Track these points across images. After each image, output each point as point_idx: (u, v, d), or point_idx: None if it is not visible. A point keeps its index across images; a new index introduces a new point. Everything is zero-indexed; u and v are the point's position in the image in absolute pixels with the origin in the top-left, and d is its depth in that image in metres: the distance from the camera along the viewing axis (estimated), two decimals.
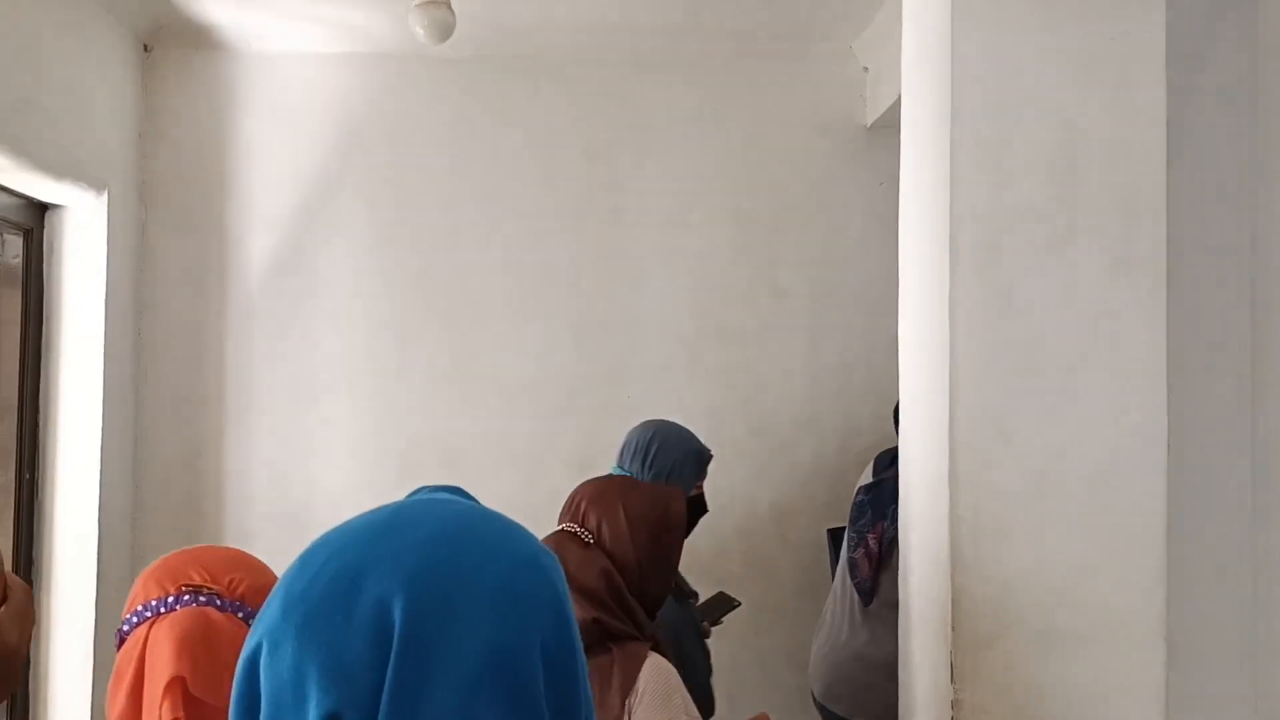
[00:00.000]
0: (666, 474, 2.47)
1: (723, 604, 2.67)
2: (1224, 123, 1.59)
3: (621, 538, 1.70)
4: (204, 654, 1.18)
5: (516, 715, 0.69)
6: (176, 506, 3.26)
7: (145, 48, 3.28)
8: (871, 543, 2.54)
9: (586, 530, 1.73)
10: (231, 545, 3.26)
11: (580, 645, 0.76)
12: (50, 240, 3.00)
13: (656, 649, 1.69)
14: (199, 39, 3.25)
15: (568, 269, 3.38)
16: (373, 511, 0.78)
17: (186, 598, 1.22)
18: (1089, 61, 1.58)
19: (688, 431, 2.59)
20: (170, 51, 3.29)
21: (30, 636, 0.90)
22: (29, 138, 2.61)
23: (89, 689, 2.94)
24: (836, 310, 3.43)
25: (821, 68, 3.40)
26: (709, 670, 2.47)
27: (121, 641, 1.23)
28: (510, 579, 0.73)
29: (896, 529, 1.96)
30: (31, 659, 2.94)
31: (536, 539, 0.80)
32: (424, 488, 0.86)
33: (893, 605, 1.90)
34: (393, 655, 0.67)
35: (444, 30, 2.66)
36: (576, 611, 1.58)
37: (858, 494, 2.71)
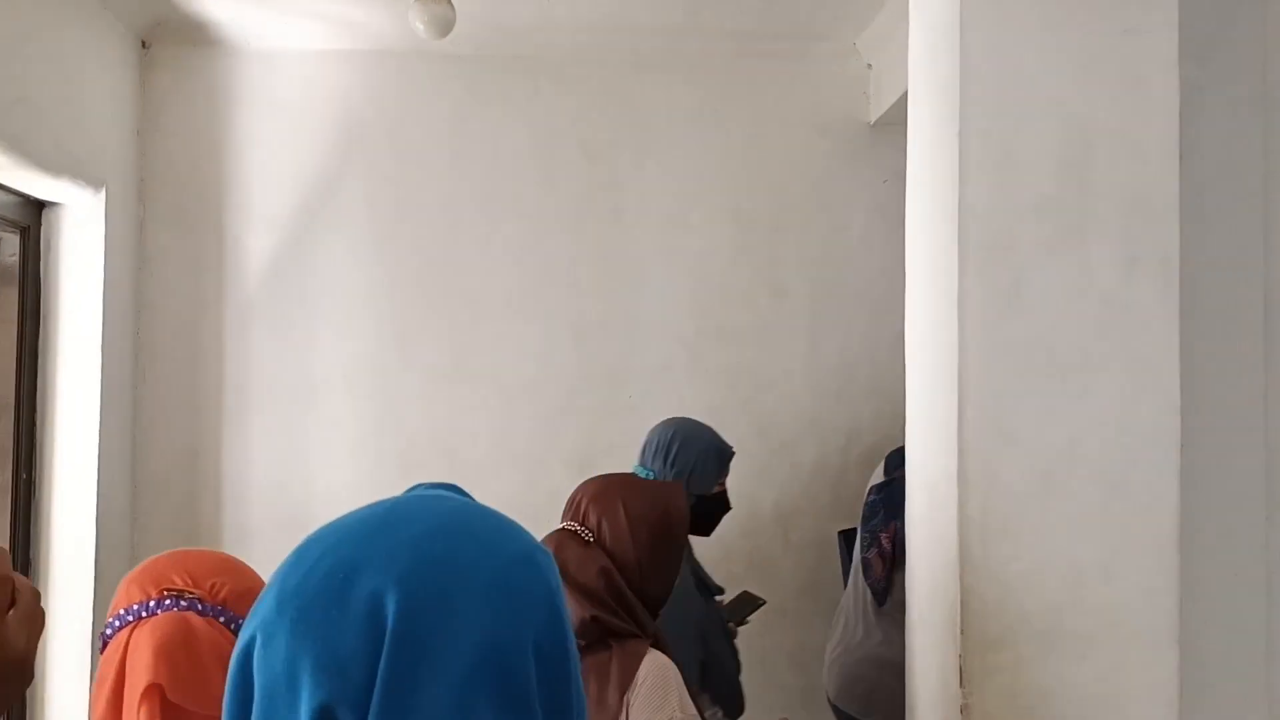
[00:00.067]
0: (689, 471, 2.47)
1: (748, 603, 2.67)
2: (1237, 118, 1.56)
3: (621, 537, 1.70)
4: (183, 660, 1.17)
5: (509, 711, 0.69)
6: (175, 507, 3.24)
7: (143, 44, 3.26)
8: (884, 542, 2.53)
9: (587, 529, 1.72)
10: (230, 546, 3.26)
11: (573, 642, 0.76)
12: (47, 238, 2.97)
13: (657, 646, 1.68)
14: (197, 36, 3.22)
15: (568, 268, 3.36)
16: (368, 507, 0.78)
17: (168, 602, 1.21)
18: (1099, 57, 1.56)
19: (709, 429, 2.58)
20: (168, 48, 3.27)
21: (39, 640, 0.89)
22: (26, 135, 2.59)
23: (86, 690, 2.92)
24: (838, 310, 3.41)
25: (823, 65, 3.38)
26: (738, 667, 2.46)
27: (105, 645, 1.23)
28: (504, 575, 0.73)
29: None
30: None
31: (531, 536, 0.79)
32: (420, 485, 0.86)
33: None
34: (385, 649, 0.67)
35: (444, 26, 2.64)
36: (575, 609, 1.61)
37: (869, 493, 2.69)
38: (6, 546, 2.85)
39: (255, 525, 3.23)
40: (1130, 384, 1.53)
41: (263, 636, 0.71)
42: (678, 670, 1.66)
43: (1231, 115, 1.56)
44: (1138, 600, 1.50)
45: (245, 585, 1.26)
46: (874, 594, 2.58)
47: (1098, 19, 1.56)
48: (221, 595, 1.24)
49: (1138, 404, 1.52)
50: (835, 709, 2.72)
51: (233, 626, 1.23)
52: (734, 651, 2.47)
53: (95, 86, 2.98)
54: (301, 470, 3.27)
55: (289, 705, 0.68)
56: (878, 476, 2.73)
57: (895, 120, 3.20)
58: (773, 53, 3.34)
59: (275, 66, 3.30)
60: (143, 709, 1.14)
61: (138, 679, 1.16)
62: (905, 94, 2.92)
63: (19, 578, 0.88)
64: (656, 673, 1.61)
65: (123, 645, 1.19)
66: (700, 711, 2.27)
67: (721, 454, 2.56)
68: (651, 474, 2.50)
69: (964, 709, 1.51)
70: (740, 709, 2.39)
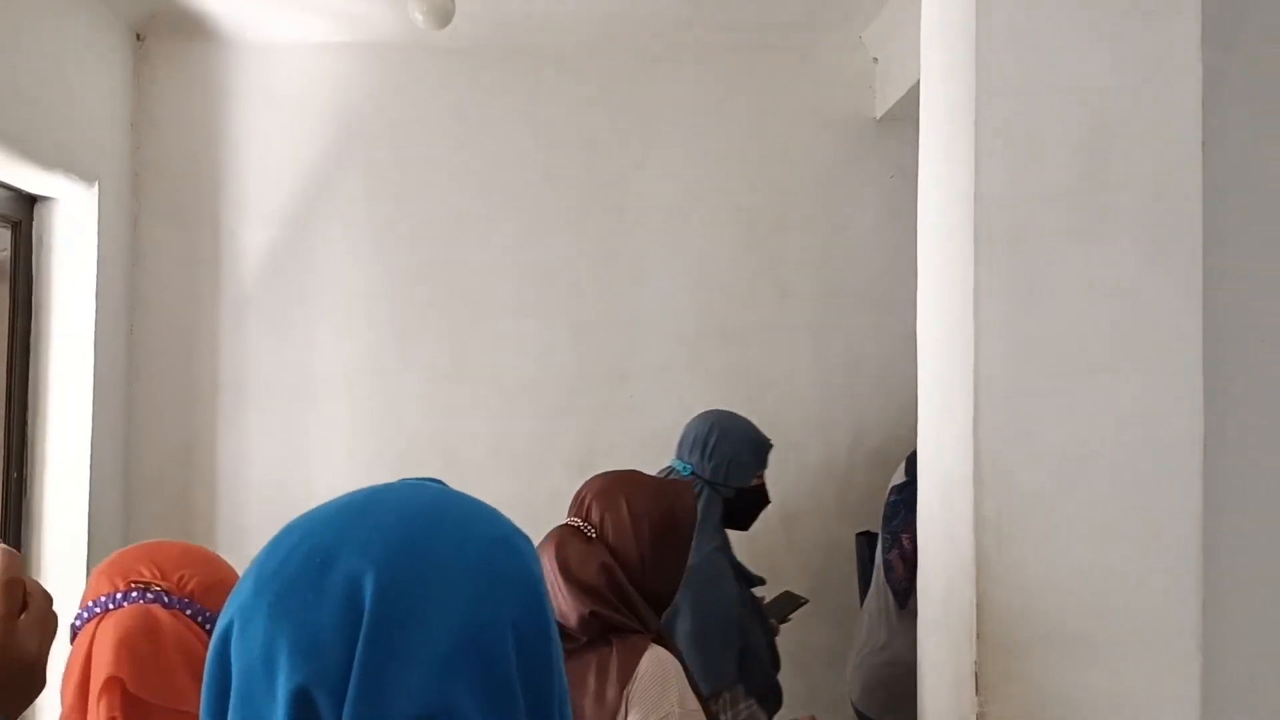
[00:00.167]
0: (726, 464, 2.45)
1: (789, 601, 2.66)
2: (1262, 106, 1.51)
3: (624, 533, 1.69)
4: (146, 653, 1.17)
5: (488, 694, 0.68)
6: (169, 506, 3.19)
7: (138, 37, 3.21)
8: (906, 543, 2.48)
9: (590, 524, 1.72)
10: (225, 545, 3.20)
11: (554, 626, 0.76)
12: (39, 233, 2.93)
13: (661, 642, 1.66)
14: (193, 28, 3.18)
15: (569, 266, 3.32)
16: (347, 495, 0.78)
17: (134, 594, 1.21)
18: (1120, 41, 1.51)
19: (747, 421, 2.57)
20: (163, 41, 3.23)
21: (51, 644, 0.89)
22: (17, 128, 2.55)
23: None
24: (843, 307, 3.37)
25: (829, 59, 3.33)
26: (777, 665, 2.43)
27: (74, 637, 1.22)
28: (483, 558, 0.72)
29: None
30: None
31: (511, 522, 0.79)
32: (404, 480, 0.84)
33: None
34: (363, 632, 0.67)
35: (443, 17, 2.59)
36: (575, 605, 1.57)
37: (890, 494, 2.65)
38: None
39: (251, 524, 3.18)
40: (1152, 381, 1.47)
41: (240, 621, 0.70)
42: (680, 666, 1.64)
43: (1257, 102, 1.51)
44: (1160, 604, 1.45)
45: (214, 578, 1.26)
46: (896, 595, 2.54)
47: (1118, 2, 1.51)
48: (189, 588, 1.23)
49: (1160, 401, 1.47)
50: (858, 712, 2.68)
51: (200, 619, 1.23)
52: (773, 649, 2.45)
53: (89, 79, 2.94)
54: (299, 469, 3.22)
55: (266, 689, 0.68)
56: (899, 477, 2.69)
57: (901, 115, 3.16)
58: (777, 47, 3.30)
59: (272, 60, 3.26)
60: (102, 702, 1.14)
61: (99, 672, 1.15)
62: (911, 88, 2.91)
63: (31, 581, 0.89)
64: (656, 668, 1.59)
65: (89, 637, 1.19)
66: (736, 703, 2.25)
67: (759, 447, 2.54)
68: (689, 467, 2.48)
69: (980, 717, 1.46)
70: (777, 705, 2.36)
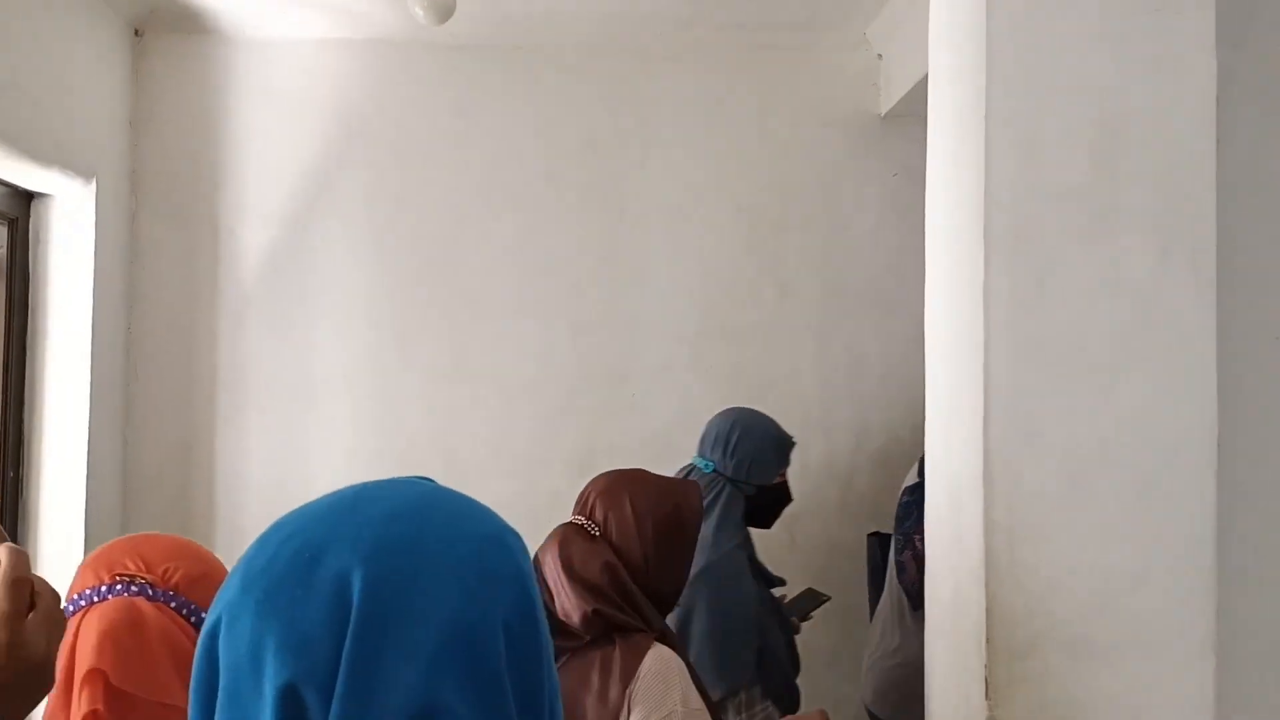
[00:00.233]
0: (749, 462, 2.44)
1: (811, 598, 2.65)
2: (1275, 104, 1.49)
3: (628, 532, 1.68)
4: (129, 645, 1.17)
5: (476, 691, 0.68)
6: (167, 506, 3.17)
7: (136, 32, 3.19)
8: (919, 545, 2.46)
9: (593, 523, 1.71)
10: (224, 545, 3.18)
11: (545, 623, 0.75)
12: (36, 230, 2.91)
13: (665, 641, 1.66)
14: (192, 24, 3.15)
15: (569, 264, 3.30)
16: (336, 491, 0.77)
17: (119, 587, 1.21)
18: (1131, 37, 1.49)
19: (769, 418, 2.56)
20: (162, 36, 3.20)
21: (60, 643, 0.90)
22: (14, 124, 2.52)
23: None
24: (846, 307, 3.35)
25: (832, 56, 3.31)
26: (796, 666, 2.43)
27: None
28: (472, 555, 0.72)
29: None
30: None
31: (502, 519, 0.78)
32: (395, 477, 0.83)
33: None
34: (351, 628, 0.66)
35: (443, 12, 2.57)
36: (578, 603, 1.56)
37: (903, 494, 2.63)
38: None
39: (251, 524, 3.16)
40: (1164, 381, 1.45)
41: (228, 618, 0.70)
42: (684, 665, 1.63)
43: (1269, 99, 1.49)
44: (1172, 607, 1.43)
45: (200, 571, 1.25)
46: (909, 597, 2.52)
47: None
48: (174, 580, 1.23)
49: (1172, 402, 1.45)
50: (872, 715, 2.66)
51: (184, 612, 1.22)
52: (792, 647, 2.45)
53: (86, 75, 2.92)
54: (298, 469, 3.20)
55: (254, 686, 0.67)
56: (911, 478, 2.67)
57: (906, 112, 3.14)
58: (780, 44, 3.28)
59: (272, 56, 3.23)
60: (84, 694, 1.13)
61: (82, 663, 1.16)
62: (916, 85, 2.89)
63: (39, 580, 0.88)
64: (659, 666, 1.58)
65: (74, 630, 1.19)
66: (752, 704, 2.24)
67: (781, 444, 2.54)
68: (711, 465, 2.47)
69: None
70: (794, 707, 2.35)
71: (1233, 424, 1.43)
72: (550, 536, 1.70)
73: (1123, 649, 1.43)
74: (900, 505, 2.62)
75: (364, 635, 0.66)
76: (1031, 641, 1.44)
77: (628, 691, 1.56)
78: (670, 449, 3.05)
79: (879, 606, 2.74)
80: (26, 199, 2.88)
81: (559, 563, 1.64)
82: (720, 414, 2.57)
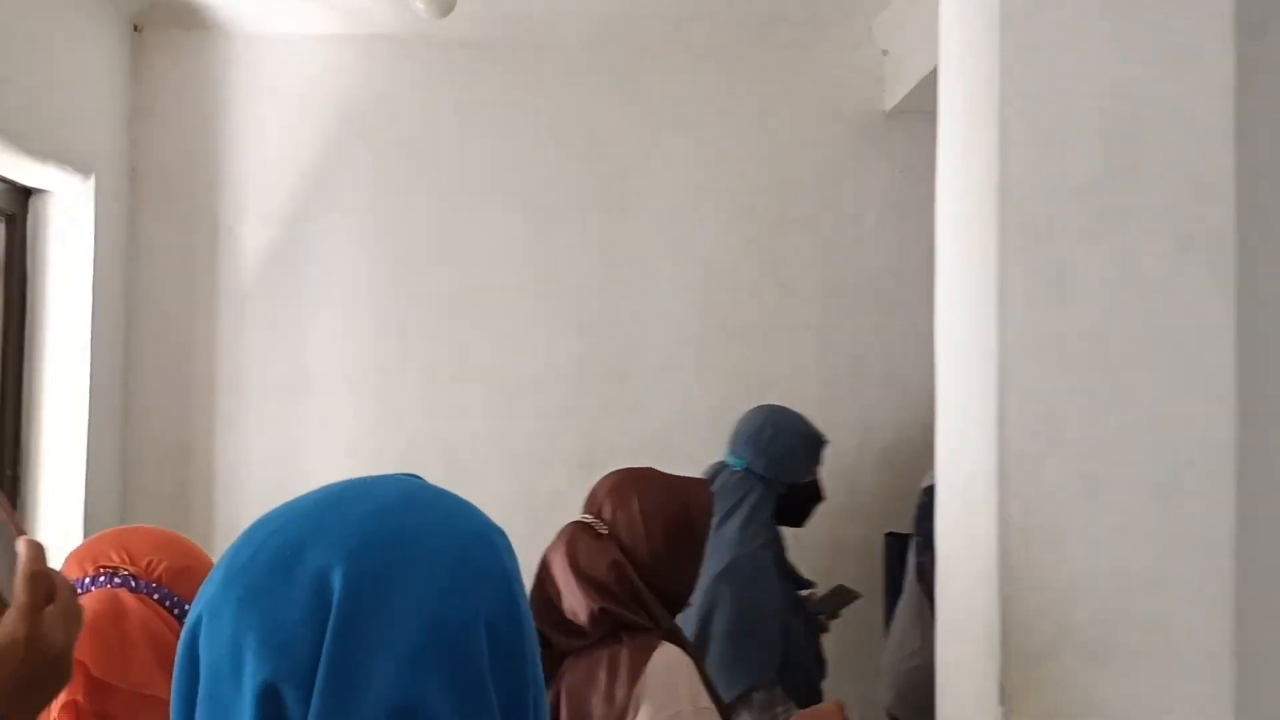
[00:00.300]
0: (780, 460, 2.43)
1: (842, 595, 2.61)
2: None
3: (635, 531, 1.66)
4: (111, 636, 1.17)
5: (458, 689, 0.67)
6: (165, 505, 3.14)
7: (135, 28, 3.16)
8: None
9: (601, 521, 1.69)
10: (223, 545, 3.15)
11: (530, 621, 0.74)
12: (34, 226, 2.88)
13: (674, 641, 1.64)
14: (191, 19, 3.12)
15: (570, 262, 3.27)
16: (323, 488, 0.77)
17: (102, 579, 1.22)
18: (1149, 27, 1.46)
19: (800, 416, 2.55)
20: (161, 32, 3.18)
21: (78, 635, 0.90)
22: (11, 119, 2.50)
23: None
24: (850, 305, 3.32)
25: (836, 52, 3.28)
26: (823, 672, 2.41)
27: None
28: (455, 551, 0.71)
29: None
30: None
31: (488, 517, 0.77)
32: (383, 474, 0.82)
33: None
34: (331, 625, 0.66)
35: (444, 6, 2.54)
36: (584, 602, 1.53)
37: (921, 495, 2.60)
38: None
39: (249, 523, 3.12)
40: (1182, 378, 1.42)
41: (208, 615, 0.70)
42: (692, 664, 1.62)
43: None
44: (1191, 610, 1.40)
45: (184, 563, 1.26)
46: (929, 598, 2.49)
47: None
48: (157, 572, 1.24)
49: (1190, 399, 1.42)
50: (891, 718, 2.63)
51: (167, 604, 1.23)
52: (818, 650, 2.43)
53: (85, 70, 2.90)
54: (298, 468, 3.18)
55: (233, 684, 0.67)
56: (930, 478, 2.64)
57: (911, 108, 3.11)
58: (783, 40, 3.25)
59: (272, 51, 3.21)
60: None
61: None
62: (922, 80, 2.85)
63: (57, 574, 0.89)
64: (666, 666, 1.57)
65: None
66: (773, 705, 2.21)
67: (813, 442, 2.53)
68: (741, 462, 2.45)
69: None
70: None
71: (1252, 422, 1.40)
72: (558, 535, 1.69)
73: (1141, 653, 1.40)
74: (919, 506, 2.59)
75: (344, 633, 0.65)
76: (1047, 645, 1.41)
77: (634, 691, 1.55)
78: (672, 449, 3.02)
79: (897, 608, 2.72)
80: (24, 195, 2.86)
81: (566, 561, 1.62)
82: (751, 411, 2.55)
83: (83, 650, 1.13)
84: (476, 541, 0.73)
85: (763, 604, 2.26)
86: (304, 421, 3.20)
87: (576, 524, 1.71)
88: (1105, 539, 1.42)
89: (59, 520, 2.85)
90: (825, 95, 3.30)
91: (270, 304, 3.20)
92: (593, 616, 1.59)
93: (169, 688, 0.72)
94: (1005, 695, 1.40)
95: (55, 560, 2.75)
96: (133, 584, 1.22)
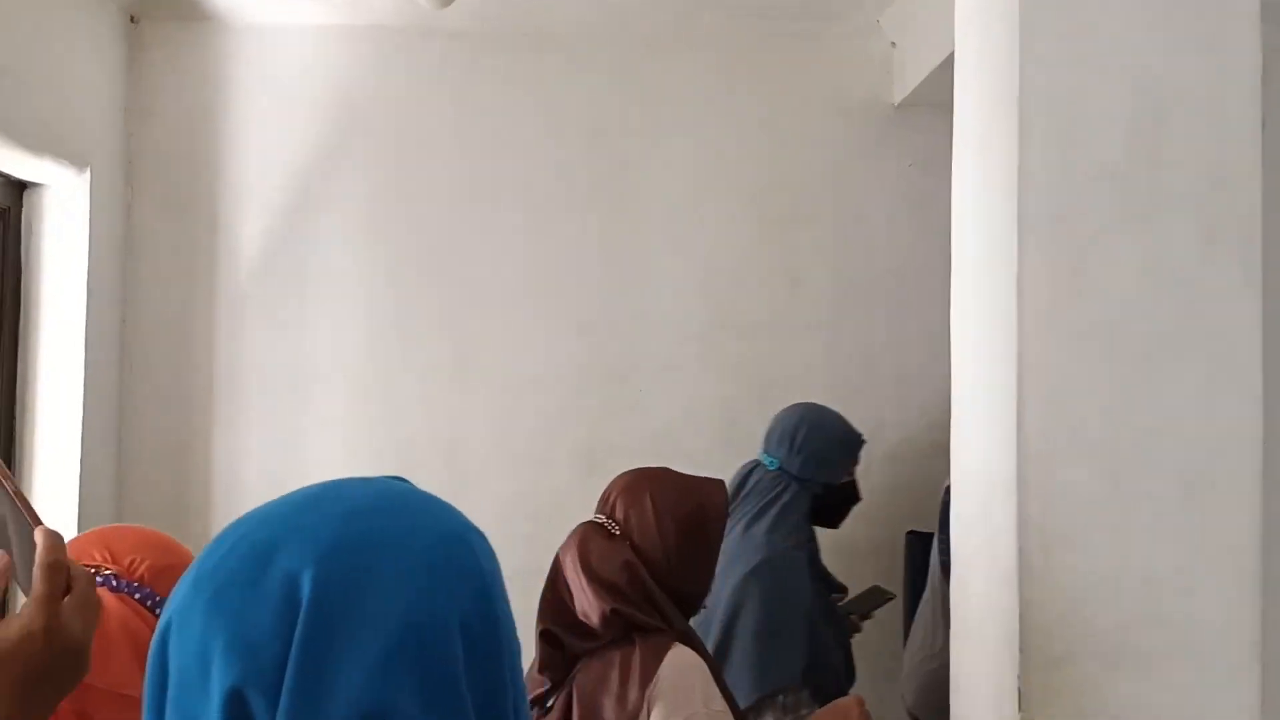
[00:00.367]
0: (815, 460, 2.39)
1: (875, 596, 2.58)
2: None
3: (648, 531, 1.64)
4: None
5: (430, 693, 0.65)
6: (161, 504, 3.09)
7: (132, 19, 3.12)
8: None
9: (614, 521, 1.67)
10: None
11: (508, 622, 0.73)
12: (29, 220, 2.84)
13: (687, 642, 1.61)
14: (188, 10, 3.08)
15: (574, 257, 3.23)
16: (298, 490, 0.76)
17: None
18: (1174, 13, 1.42)
19: (837, 414, 2.51)
20: (158, 23, 3.13)
21: (95, 627, 0.89)
22: (6, 111, 2.47)
23: None
24: (859, 301, 3.28)
25: (844, 44, 3.24)
26: (851, 676, 2.38)
27: None
28: (428, 553, 0.70)
29: None
30: None
31: (466, 518, 0.76)
32: (362, 476, 0.82)
33: None
34: (299, 629, 0.64)
35: None
36: (596, 602, 1.49)
37: (945, 493, 2.56)
38: None
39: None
40: (1208, 373, 1.38)
41: (178, 619, 0.68)
42: (705, 666, 1.59)
43: None
44: (1216, 613, 1.36)
45: (166, 562, 1.25)
46: None
47: None
48: (139, 572, 1.23)
49: (1216, 395, 1.38)
50: (913, 718, 2.59)
51: (148, 603, 1.23)
52: (848, 654, 2.39)
53: (80, 62, 2.86)
54: (295, 467, 3.13)
55: (200, 689, 0.65)
56: None
57: (920, 101, 3.07)
58: (791, 31, 3.20)
59: (270, 43, 3.16)
60: None
61: None
62: (932, 73, 2.81)
63: (74, 565, 0.88)
64: (680, 668, 1.55)
65: None
66: (798, 707, 2.17)
67: (850, 442, 2.49)
68: (775, 462, 2.42)
69: None
70: None
71: (1279, 418, 1.36)
72: (570, 535, 1.66)
73: (1164, 658, 1.36)
74: (942, 505, 2.55)
75: (312, 637, 0.64)
76: (1068, 650, 1.37)
77: (647, 693, 1.53)
78: (676, 448, 2.98)
79: (919, 607, 2.68)
80: (19, 189, 2.82)
81: (578, 562, 1.60)
82: (787, 409, 2.51)
83: None
84: (451, 543, 0.72)
85: (791, 604, 2.23)
86: (302, 418, 3.16)
87: (589, 524, 1.69)
88: (1127, 540, 1.37)
89: (53, 518, 2.80)
90: (832, 88, 3.26)
91: (268, 299, 3.16)
92: (604, 618, 1.57)
93: None
94: (1024, 701, 1.36)
95: None
96: (114, 583, 1.22)
